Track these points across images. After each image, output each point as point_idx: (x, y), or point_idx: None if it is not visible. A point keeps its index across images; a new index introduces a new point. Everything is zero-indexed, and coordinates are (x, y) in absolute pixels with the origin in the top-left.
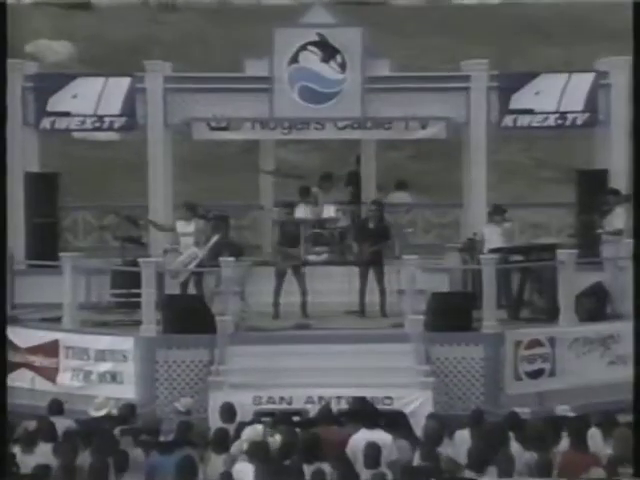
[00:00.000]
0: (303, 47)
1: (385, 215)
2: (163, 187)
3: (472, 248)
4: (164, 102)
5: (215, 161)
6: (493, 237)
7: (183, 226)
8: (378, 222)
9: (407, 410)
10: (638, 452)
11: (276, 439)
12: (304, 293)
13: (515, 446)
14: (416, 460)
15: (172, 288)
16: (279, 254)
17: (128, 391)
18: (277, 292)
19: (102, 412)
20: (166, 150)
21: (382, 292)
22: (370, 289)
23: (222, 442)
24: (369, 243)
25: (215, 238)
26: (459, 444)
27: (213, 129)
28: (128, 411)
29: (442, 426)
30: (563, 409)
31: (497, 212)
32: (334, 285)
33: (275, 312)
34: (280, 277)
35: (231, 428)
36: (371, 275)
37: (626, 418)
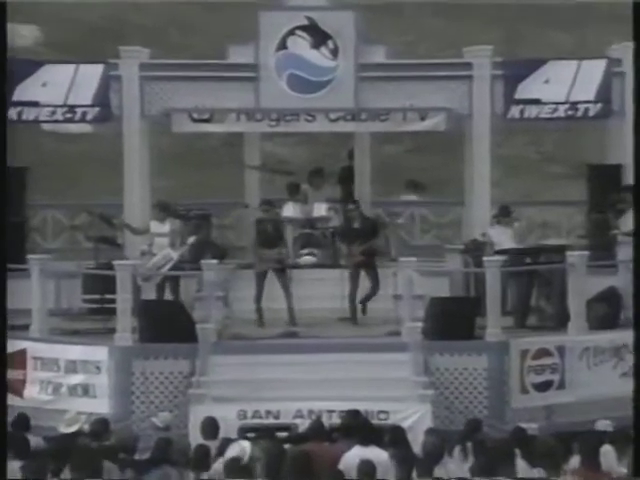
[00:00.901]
0: (291, 32)
1: (379, 213)
2: (140, 183)
3: (475, 249)
4: (141, 91)
5: (196, 155)
6: (503, 238)
7: (157, 226)
8: (362, 220)
9: (404, 425)
10: (638, 452)
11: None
12: (288, 298)
13: (521, 464)
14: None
15: (150, 293)
16: (256, 256)
17: (101, 405)
18: (258, 297)
19: (73, 428)
20: (143, 143)
21: (373, 288)
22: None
23: (203, 460)
24: (357, 243)
25: (192, 239)
26: (460, 461)
27: (194, 121)
28: (101, 427)
29: (442, 442)
30: (605, 424)
31: (503, 213)
32: (325, 290)
33: (259, 319)
34: (260, 281)
35: (213, 445)
36: (364, 279)
37: None
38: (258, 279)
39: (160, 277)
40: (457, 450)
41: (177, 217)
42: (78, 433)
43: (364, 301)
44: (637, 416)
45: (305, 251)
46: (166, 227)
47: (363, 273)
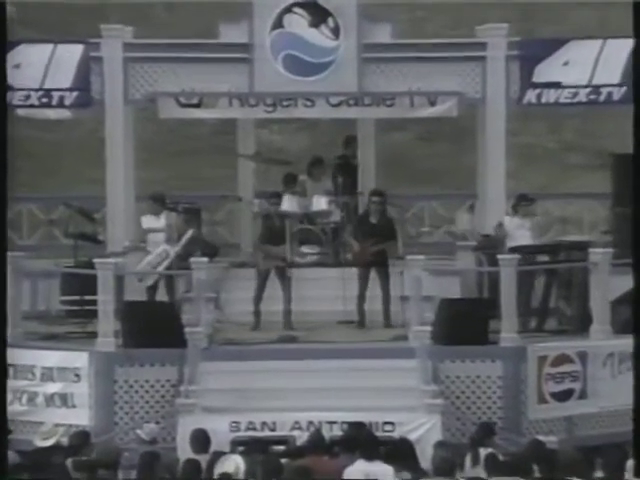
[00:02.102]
0: (288, 9)
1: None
2: (123, 174)
3: (489, 246)
4: (124, 74)
5: (185, 144)
6: (519, 232)
7: (150, 221)
8: (381, 217)
9: (412, 437)
10: (638, 452)
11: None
12: (288, 300)
13: None
14: None
15: (134, 294)
16: (261, 254)
17: (81, 417)
18: (257, 299)
19: (50, 442)
20: (127, 131)
21: (386, 299)
22: (369, 295)
23: (193, 476)
24: (371, 241)
25: (189, 233)
26: (470, 469)
27: (182, 106)
28: (81, 440)
29: (453, 456)
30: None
31: (524, 203)
32: (326, 291)
33: (255, 322)
34: (262, 281)
35: (204, 460)
36: (371, 280)
37: None
38: (260, 278)
39: (156, 276)
40: (468, 458)
41: (171, 211)
42: (55, 447)
43: (388, 314)
44: (637, 415)
45: (308, 250)
46: (161, 221)
47: (373, 274)
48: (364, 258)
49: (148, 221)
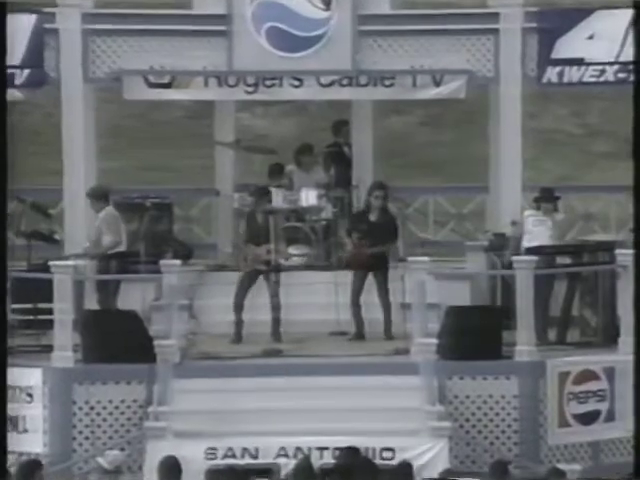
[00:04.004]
0: None
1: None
2: (83, 164)
3: (503, 247)
4: (83, 49)
5: (154, 130)
6: (538, 231)
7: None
8: (382, 214)
9: (415, 465)
10: (638, 452)
11: None
12: (276, 308)
13: None
14: None
15: (95, 302)
16: (244, 255)
17: (34, 443)
18: (239, 307)
19: None
20: (87, 114)
21: (387, 307)
22: (365, 302)
23: None
24: (370, 241)
25: (107, 241)
26: None
27: (151, 86)
28: (32, 470)
29: None
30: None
31: (547, 198)
32: (316, 297)
33: (237, 334)
34: (245, 286)
35: None
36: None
37: None
38: (242, 284)
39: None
40: None
41: (123, 208)
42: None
43: (388, 328)
44: (637, 415)
45: (294, 251)
46: (97, 221)
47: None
48: (360, 260)
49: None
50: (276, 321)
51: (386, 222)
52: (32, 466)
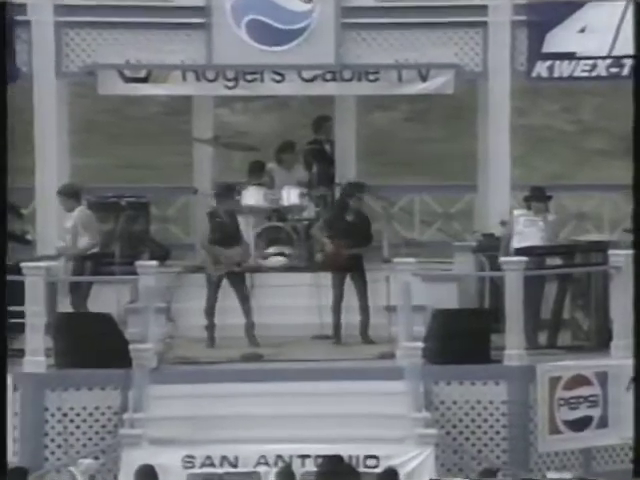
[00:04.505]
0: None
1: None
2: (56, 162)
3: (492, 247)
4: (56, 42)
5: (130, 125)
6: (530, 231)
7: (67, 220)
8: (357, 214)
9: (400, 473)
10: (638, 452)
11: None
12: (248, 312)
13: None
14: None
15: (69, 304)
16: (210, 258)
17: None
18: (210, 310)
19: None
20: (60, 110)
21: (364, 309)
22: (348, 305)
23: None
24: (346, 243)
25: (84, 242)
26: None
27: (127, 80)
28: (18, 478)
29: None
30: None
31: (538, 197)
32: (298, 300)
33: (209, 338)
34: (213, 290)
35: None
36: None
37: None
38: (211, 286)
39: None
40: None
41: (97, 207)
42: None
43: (365, 331)
44: (637, 415)
45: (273, 250)
46: (70, 221)
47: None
48: (339, 261)
49: (66, 220)
50: (250, 326)
51: (362, 222)
52: (18, 473)
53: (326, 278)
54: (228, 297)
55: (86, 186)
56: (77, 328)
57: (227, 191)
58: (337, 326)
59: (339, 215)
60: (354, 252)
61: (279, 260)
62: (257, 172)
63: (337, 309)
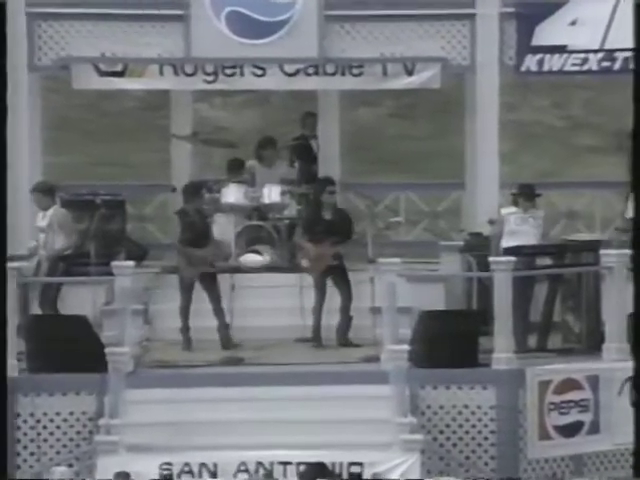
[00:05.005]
0: None
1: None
2: (28, 159)
3: (479, 247)
4: (29, 34)
5: (105, 121)
6: (518, 229)
7: (39, 219)
8: (335, 211)
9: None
10: (638, 452)
11: None
12: (219, 313)
13: None
14: None
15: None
16: (183, 259)
17: None
18: (185, 312)
19: None
20: (32, 104)
21: (344, 310)
22: (332, 307)
23: None
24: (329, 242)
25: (60, 243)
26: None
27: (102, 74)
28: None
29: None
30: None
31: (526, 195)
32: (279, 301)
33: (185, 341)
34: (187, 291)
35: None
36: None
37: None
38: (183, 288)
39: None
40: None
41: (72, 206)
42: None
43: (343, 333)
44: (637, 415)
45: (254, 249)
46: (46, 219)
47: (330, 281)
48: (323, 264)
49: (38, 219)
50: (222, 327)
51: (342, 219)
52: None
53: (309, 279)
54: (206, 299)
55: (60, 184)
56: (51, 330)
57: (195, 189)
58: (317, 328)
59: (316, 215)
60: (338, 251)
61: (254, 258)
62: (237, 169)
63: (318, 310)
